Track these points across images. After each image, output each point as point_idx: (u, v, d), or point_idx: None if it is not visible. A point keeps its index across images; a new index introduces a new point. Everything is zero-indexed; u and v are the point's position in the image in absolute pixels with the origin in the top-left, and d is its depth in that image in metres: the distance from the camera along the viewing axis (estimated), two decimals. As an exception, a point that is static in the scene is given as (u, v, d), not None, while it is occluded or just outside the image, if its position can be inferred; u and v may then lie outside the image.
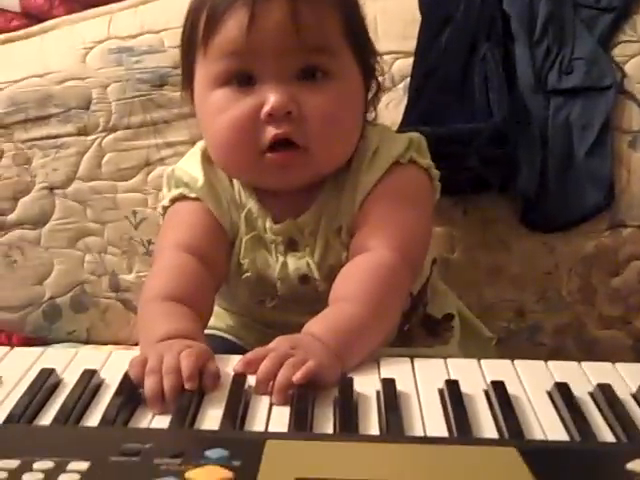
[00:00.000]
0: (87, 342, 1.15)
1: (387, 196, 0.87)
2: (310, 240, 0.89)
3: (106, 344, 1.13)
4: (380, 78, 0.92)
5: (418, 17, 1.11)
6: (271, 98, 0.81)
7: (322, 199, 0.89)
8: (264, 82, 0.82)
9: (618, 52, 1.09)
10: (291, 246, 0.89)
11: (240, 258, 0.90)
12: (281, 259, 0.89)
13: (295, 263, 0.89)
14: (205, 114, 0.87)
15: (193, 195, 0.89)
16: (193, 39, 0.86)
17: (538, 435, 0.62)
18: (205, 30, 0.83)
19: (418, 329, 0.92)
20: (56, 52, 1.16)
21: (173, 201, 0.91)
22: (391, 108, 1.08)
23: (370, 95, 0.91)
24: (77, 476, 0.50)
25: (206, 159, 0.91)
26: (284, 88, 0.81)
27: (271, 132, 0.82)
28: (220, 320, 0.98)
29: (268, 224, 0.89)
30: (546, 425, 0.63)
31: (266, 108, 0.81)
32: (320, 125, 0.82)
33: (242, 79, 0.83)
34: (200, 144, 0.93)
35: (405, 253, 0.83)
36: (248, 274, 0.90)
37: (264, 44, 0.81)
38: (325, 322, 0.75)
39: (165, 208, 0.92)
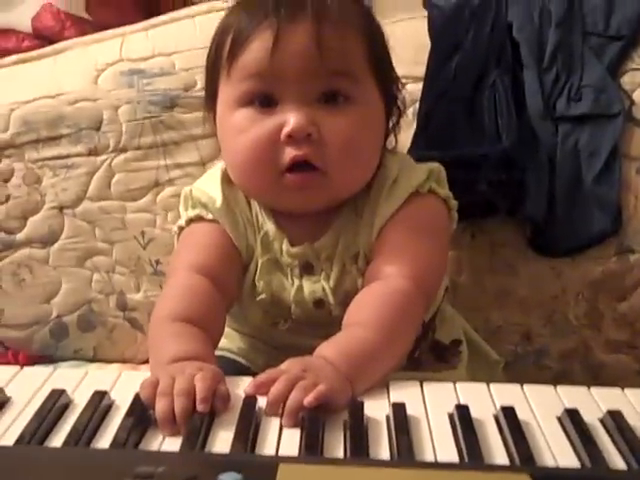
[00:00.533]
0: (93, 360, 1.15)
1: (405, 225, 0.87)
2: (326, 265, 0.89)
3: (112, 362, 1.14)
4: (402, 106, 0.93)
5: (428, 43, 1.12)
6: (291, 120, 0.82)
7: (339, 224, 0.89)
8: (285, 104, 0.83)
9: (626, 80, 1.09)
10: (307, 270, 0.89)
11: (255, 280, 0.90)
12: (297, 282, 0.89)
13: (310, 287, 0.89)
14: (226, 134, 0.88)
15: (210, 217, 0.90)
16: (218, 61, 0.87)
17: (549, 461, 0.62)
18: (230, 51, 0.84)
19: (427, 355, 0.92)
20: (68, 73, 1.17)
21: (189, 222, 0.92)
22: (400, 132, 1.09)
23: (391, 123, 0.92)
24: (91, 499, 0.50)
25: (226, 180, 0.91)
26: (305, 110, 0.82)
27: (290, 153, 0.83)
28: (229, 341, 0.98)
29: (285, 247, 0.89)
30: (556, 451, 0.63)
31: (286, 129, 0.82)
32: (339, 149, 0.83)
33: (264, 100, 0.84)
34: (220, 165, 0.94)
35: (420, 282, 0.83)
36: (263, 296, 0.90)
37: (287, 67, 0.82)
38: (337, 346, 0.76)
39: (181, 228, 0.93)
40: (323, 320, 0.88)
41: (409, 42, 1.12)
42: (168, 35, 1.17)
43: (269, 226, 0.90)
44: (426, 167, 0.91)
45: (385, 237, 0.87)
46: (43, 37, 1.29)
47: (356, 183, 0.88)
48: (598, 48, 1.10)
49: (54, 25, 1.28)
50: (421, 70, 1.11)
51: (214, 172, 0.94)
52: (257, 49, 0.83)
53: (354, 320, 0.80)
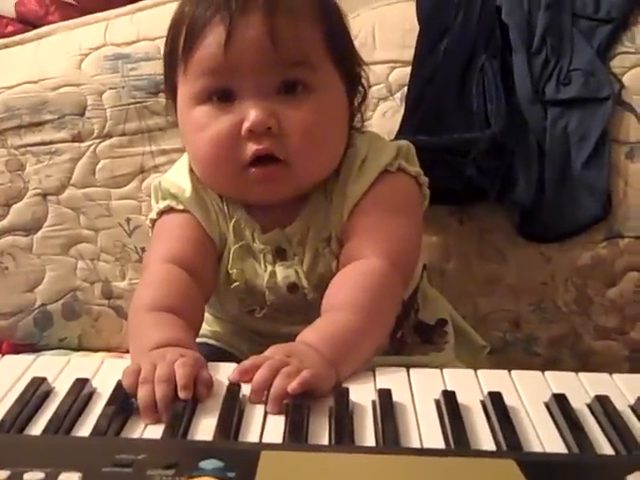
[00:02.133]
0: (78, 349, 1.14)
1: (376, 205, 0.87)
2: (298, 249, 0.88)
3: (97, 351, 1.13)
4: (366, 84, 0.92)
5: (416, 26, 1.11)
6: (251, 114, 0.81)
7: (310, 208, 0.88)
8: (244, 98, 0.82)
9: (616, 63, 1.09)
10: (279, 255, 0.89)
11: (228, 268, 0.89)
12: (269, 268, 0.89)
13: (283, 272, 0.88)
14: (187, 131, 0.88)
15: (180, 207, 0.89)
16: (174, 54, 0.86)
17: (536, 447, 0.61)
18: (184, 47, 0.84)
19: (412, 336, 0.92)
20: (51, 58, 1.16)
21: (160, 214, 0.91)
22: (388, 117, 1.08)
23: (356, 102, 0.91)
24: (69, 487, 0.49)
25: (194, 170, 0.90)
26: (264, 104, 0.81)
27: (252, 148, 0.82)
28: (211, 327, 0.97)
29: (256, 234, 0.88)
30: (544, 437, 0.63)
31: (246, 124, 0.81)
32: (301, 139, 0.82)
33: (222, 96, 0.83)
34: (187, 155, 0.93)
35: (396, 261, 0.83)
36: (237, 283, 0.89)
37: (242, 61, 0.81)
38: (318, 331, 0.75)
39: (153, 221, 0.92)
40: (299, 305, 0.88)
41: (397, 26, 1.11)
42: (153, 19, 1.16)
43: (240, 213, 0.89)
44: (395, 145, 0.91)
45: (357, 218, 0.87)
46: (27, 22, 1.27)
47: (321, 171, 0.87)
48: (588, 31, 1.09)
49: (38, 9, 1.26)
50: (409, 54, 1.10)
51: (182, 162, 0.93)
52: (210, 44, 0.81)
53: (333, 304, 0.80)
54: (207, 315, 0.96)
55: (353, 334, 0.75)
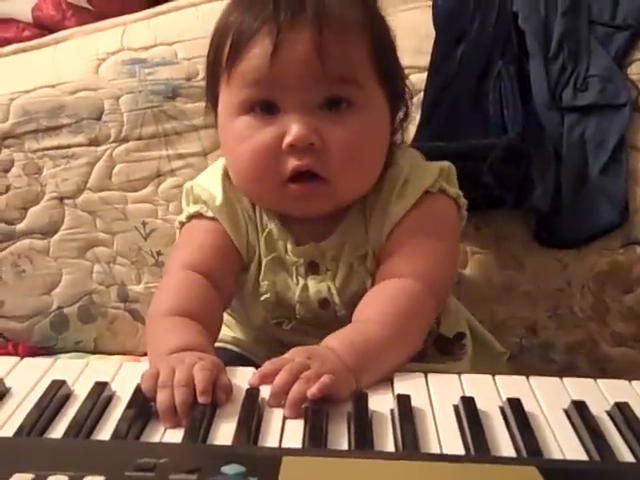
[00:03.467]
0: (94, 352, 1.14)
1: (416, 226, 0.86)
2: (332, 264, 0.88)
3: (113, 354, 1.13)
4: (409, 100, 0.92)
5: (432, 32, 1.11)
6: (293, 129, 0.80)
7: (347, 224, 0.88)
8: (287, 112, 0.81)
9: (633, 70, 1.08)
10: (312, 269, 0.88)
11: (260, 280, 0.89)
12: (302, 282, 0.88)
13: (315, 286, 0.88)
14: (227, 141, 0.87)
15: (210, 214, 0.89)
16: (217, 63, 0.85)
17: (556, 454, 0.61)
18: (229, 57, 0.83)
19: (431, 348, 0.91)
20: (69, 63, 1.16)
21: (190, 218, 0.91)
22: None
23: (398, 120, 0.90)
24: (93, 491, 0.50)
25: (227, 177, 0.90)
26: (307, 119, 0.80)
27: (292, 163, 0.81)
28: (233, 333, 0.97)
29: (290, 246, 0.88)
30: (564, 444, 0.63)
31: (288, 139, 0.80)
32: (342, 157, 0.81)
33: (265, 107, 0.82)
34: (222, 160, 0.92)
35: (432, 284, 0.83)
36: (267, 296, 0.89)
37: (288, 74, 0.80)
38: (343, 338, 0.75)
39: (182, 223, 0.92)
40: (328, 321, 0.87)
41: (412, 32, 1.11)
42: (170, 24, 1.16)
43: (273, 225, 0.88)
44: (437, 166, 0.90)
45: (396, 238, 0.86)
46: (44, 26, 1.27)
47: (360, 189, 0.87)
48: (604, 38, 1.09)
49: (55, 14, 1.27)
50: (425, 60, 1.09)
51: (216, 167, 0.93)
52: (256, 56, 0.80)
53: (363, 316, 0.80)
54: (229, 320, 0.96)
55: (377, 345, 0.74)
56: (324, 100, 0.81)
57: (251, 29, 0.81)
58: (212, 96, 0.88)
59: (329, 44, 0.80)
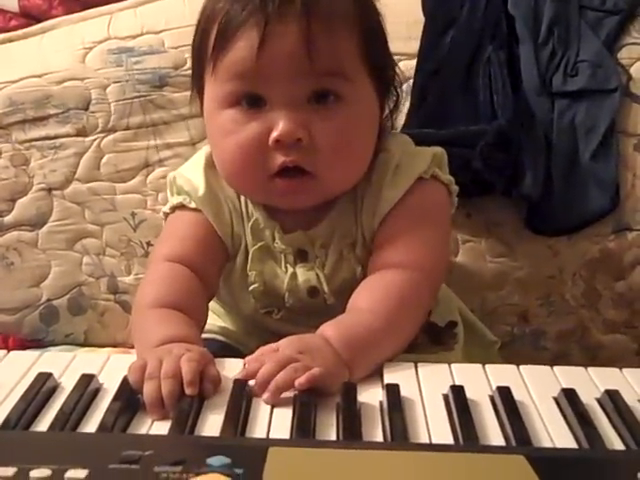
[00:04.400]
0: (84, 345, 1.14)
1: (410, 213, 0.86)
2: (321, 252, 0.87)
3: (103, 347, 1.12)
4: (399, 87, 0.91)
5: (421, 18, 1.10)
6: (280, 124, 0.79)
7: (337, 212, 0.87)
8: (274, 106, 0.80)
9: (624, 54, 1.08)
10: (301, 257, 0.87)
11: (247, 269, 0.88)
12: (290, 270, 0.87)
13: (304, 274, 0.87)
14: (213, 133, 0.86)
15: (193, 205, 0.88)
16: (203, 49, 0.83)
17: (545, 442, 0.61)
18: (215, 47, 0.81)
19: (422, 337, 0.91)
20: (55, 52, 1.15)
21: (174, 209, 0.90)
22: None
23: (388, 109, 0.89)
24: (75, 484, 0.49)
25: (210, 167, 0.89)
26: (294, 113, 0.79)
27: (279, 159, 0.80)
28: (222, 323, 0.97)
29: (277, 234, 0.87)
30: (553, 432, 0.63)
31: (274, 134, 0.79)
32: (330, 152, 0.80)
33: (251, 100, 0.81)
34: (205, 149, 0.91)
35: (427, 271, 0.83)
36: (256, 285, 0.88)
37: (274, 68, 0.78)
38: (340, 328, 0.74)
39: (166, 214, 0.91)
40: (318, 309, 0.87)
41: (402, 18, 1.10)
42: (157, 12, 1.15)
43: (259, 214, 0.88)
44: (430, 151, 0.89)
45: (390, 225, 0.85)
46: (31, 16, 1.26)
47: (348, 182, 0.86)
48: (595, 22, 1.08)
49: (42, 4, 1.25)
50: (414, 46, 1.09)
51: (199, 156, 0.92)
52: (242, 48, 0.79)
53: (359, 304, 0.79)
54: (218, 309, 0.96)
55: (373, 338, 0.74)
56: (311, 93, 0.80)
57: (238, 19, 0.79)
58: (197, 84, 0.87)
59: (317, 37, 0.78)
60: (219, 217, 0.88)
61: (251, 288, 0.89)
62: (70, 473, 0.50)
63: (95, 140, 1.12)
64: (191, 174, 0.90)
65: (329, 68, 0.80)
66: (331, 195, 0.86)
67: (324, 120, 0.80)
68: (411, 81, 1.08)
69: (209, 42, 0.82)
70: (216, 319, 0.96)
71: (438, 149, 0.90)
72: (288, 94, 0.79)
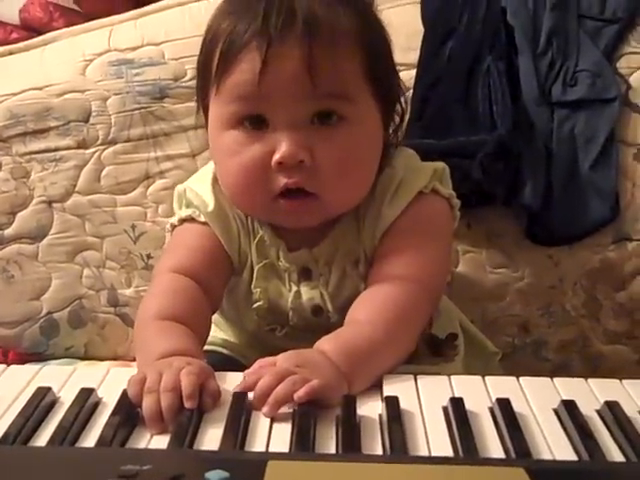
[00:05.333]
0: (85, 358, 1.14)
1: (409, 227, 0.86)
2: (325, 270, 0.87)
3: (104, 360, 1.12)
4: (404, 104, 0.90)
5: (421, 29, 1.10)
6: (282, 146, 0.79)
7: (340, 229, 0.87)
8: (276, 127, 0.80)
9: (623, 64, 1.08)
10: (305, 275, 0.88)
11: (252, 287, 0.88)
12: (294, 288, 0.88)
13: (308, 293, 0.87)
14: (217, 153, 0.86)
15: (202, 219, 0.88)
16: (208, 69, 0.83)
17: (545, 454, 0.61)
18: (218, 68, 0.81)
19: (422, 349, 0.91)
20: (56, 64, 1.16)
21: (182, 221, 0.90)
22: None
23: (393, 126, 0.89)
24: (73, 500, 0.49)
25: (218, 182, 0.89)
26: (296, 135, 0.79)
27: (282, 181, 0.80)
28: (225, 335, 0.97)
29: (282, 252, 0.87)
30: (553, 444, 0.62)
31: (277, 157, 0.79)
32: (333, 173, 0.80)
33: (254, 122, 0.81)
34: (212, 163, 0.91)
35: (425, 284, 0.82)
36: (260, 303, 0.89)
37: (276, 91, 0.78)
38: (339, 342, 0.74)
39: (173, 226, 0.91)
40: (321, 327, 0.86)
41: (401, 29, 1.09)
42: (157, 24, 1.15)
43: (265, 232, 0.88)
44: (431, 166, 0.89)
45: (389, 240, 0.85)
46: (31, 28, 1.27)
47: (352, 202, 0.86)
48: (594, 32, 1.08)
49: (42, 16, 1.26)
50: (414, 57, 1.09)
51: (206, 171, 0.92)
52: (245, 71, 0.79)
53: (357, 317, 0.79)
54: (221, 322, 0.96)
55: (372, 351, 0.74)
56: (314, 114, 0.80)
57: (240, 41, 0.79)
58: (203, 102, 0.87)
59: (320, 59, 0.78)
60: (227, 233, 0.88)
61: (255, 306, 0.89)
62: (67, 489, 0.50)
63: (95, 152, 1.12)
64: (200, 189, 0.90)
65: (332, 90, 0.79)
66: (335, 214, 0.86)
67: (327, 141, 0.80)
68: (410, 92, 1.07)
69: (213, 63, 0.82)
70: (218, 331, 0.96)
71: (440, 164, 0.90)
72: (290, 116, 0.79)
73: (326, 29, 0.79)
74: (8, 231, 1.13)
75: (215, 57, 0.81)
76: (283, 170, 0.80)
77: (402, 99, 0.90)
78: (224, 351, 0.95)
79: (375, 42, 0.84)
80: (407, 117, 1.04)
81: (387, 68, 0.87)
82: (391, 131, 0.89)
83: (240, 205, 0.87)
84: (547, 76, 1.07)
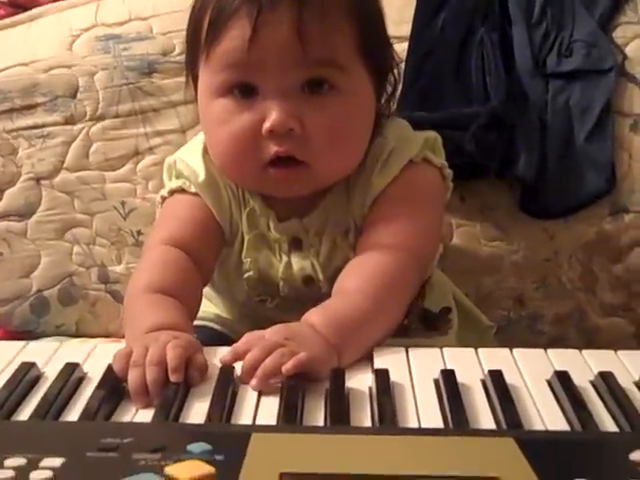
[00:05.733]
0: (76, 336, 1.12)
1: (398, 196, 0.85)
2: (315, 240, 0.87)
3: (95, 337, 1.11)
4: (397, 73, 0.89)
5: (413, 1, 1.08)
6: (272, 114, 0.78)
7: (330, 199, 0.86)
8: (266, 95, 0.79)
9: (619, 34, 1.06)
10: (295, 246, 0.87)
11: (242, 257, 0.88)
12: (285, 259, 0.87)
13: (299, 263, 0.87)
14: (206, 122, 0.85)
15: (192, 190, 0.87)
16: (197, 37, 0.82)
17: (538, 426, 0.60)
18: (207, 36, 0.80)
19: (416, 323, 0.90)
20: (42, 40, 1.14)
21: (172, 192, 0.89)
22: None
23: (386, 95, 0.88)
24: (50, 473, 0.48)
25: (209, 153, 0.88)
26: (287, 103, 0.78)
27: (272, 149, 0.79)
28: (216, 309, 0.96)
29: (272, 223, 0.87)
30: (546, 415, 0.61)
31: (267, 124, 0.78)
32: (323, 142, 0.79)
33: (244, 90, 0.80)
34: (202, 134, 0.90)
35: (414, 253, 0.82)
36: (250, 273, 0.88)
37: (267, 58, 0.77)
38: (327, 313, 0.73)
39: (163, 198, 0.90)
40: (312, 297, 0.85)
41: (393, 1, 1.08)
42: (145, -2, 1.14)
43: (255, 202, 0.87)
44: (422, 135, 0.88)
45: (378, 208, 0.85)
46: (18, 5, 1.25)
47: (343, 171, 0.85)
48: (589, 2, 1.06)
49: (30, -7, 1.25)
50: (406, 29, 1.07)
51: (196, 142, 0.91)
52: (234, 38, 0.78)
53: (344, 287, 0.78)
54: (212, 295, 0.95)
55: (361, 321, 0.73)
56: (305, 82, 0.79)
57: (230, 8, 0.78)
58: (192, 72, 0.86)
59: (310, 26, 0.77)
60: (218, 203, 0.87)
61: (246, 276, 0.88)
62: (45, 462, 0.49)
63: (83, 128, 1.11)
64: (190, 159, 0.89)
65: (322, 57, 0.78)
66: (326, 184, 0.85)
67: (317, 109, 0.79)
68: (403, 64, 1.06)
69: (202, 31, 0.81)
70: (210, 306, 0.96)
71: (432, 133, 0.89)
72: (281, 84, 0.78)
73: None
74: (-4, 209, 1.12)
75: (204, 25, 0.80)
76: (273, 138, 0.79)
77: (395, 70, 0.89)
78: (215, 326, 0.95)
79: (368, 12, 0.83)
80: (400, 88, 1.03)
81: (380, 39, 0.86)
82: (383, 101, 0.88)
83: (230, 174, 0.86)
84: (541, 47, 1.06)
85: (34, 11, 1.18)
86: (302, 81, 0.79)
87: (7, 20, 1.19)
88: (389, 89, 0.88)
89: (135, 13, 1.12)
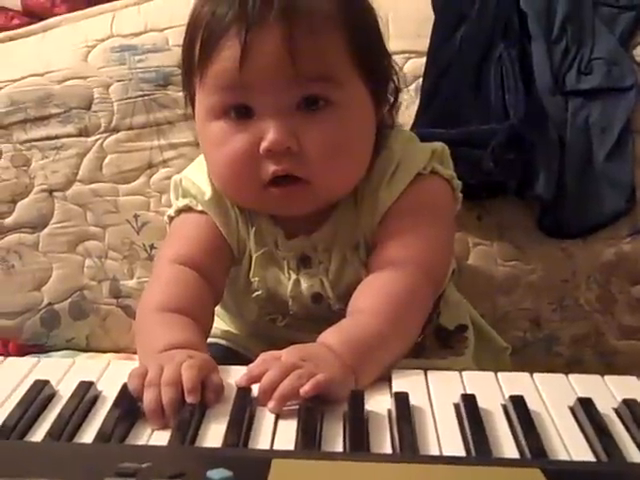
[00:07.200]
0: (86, 350, 1.12)
1: (408, 210, 0.84)
2: (324, 256, 0.86)
3: (106, 352, 1.11)
4: (397, 81, 0.88)
5: (431, 16, 1.08)
6: (269, 134, 0.77)
7: (338, 214, 0.85)
8: (262, 115, 0.78)
9: (639, 52, 1.06)
10: (303, 263, 0.86)
11: (250, 276, 0.87)
12: (293, 276, 0.86)
13: (308, 281, 0.86)
14: (205, 144, 0.85)
15: (200, 208, 0.87)
16: (191, 58, 0.82)
17: (561, 454, 0.59)
18: (200, 57, 0.79)
19: (431, 341, 0.89)
20: (57, 50, 1.14)
21: (179, 212, 0.88)
22: (403, 110, 1.04)
23: (387, 106, 0.87)
24: (68, 499, 0.47)
25: None
26: (283, 122, 0.77)
27: (271, 168, 0.79)
28: (226, 327, 0.95)
29: (280, 240, 0.86)
30: (569, 443, 0.60)
31: (264, 144, 0.78)
32: (321, 158, 0.79)
33: (239, 111, 0.79)
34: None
35: (427, 269, 0.81)
36: (259, 292, 0.87)
37: (259, 78, 0.77)
38: (342, 334, 0.72)
39: (171, 218, 0.90)
40: (323, 315, 0.85)
41: (411, 15, 1.08)
42: (161, 10, 1.13)
43: (263, 219, 0.86)
44: (429, 147, 0.87)
45: (388, 223, 0.84)
46: (33, 14, 1.26)
47: (344, 186, 0.84)
48: (609, 19, 1.06)
49: (44, 2, 1.25)
50: (424, 44, 1.07)
51: (203, 160, 0.89)
52: (225, 59, 0.77)
53: (360, 307, 0.77)
54: (222, 313, 0.94)
55: (378, 341, 0.72)
56: (301, 100, 0.78)
57: (220, 28, 0.77)
58: (189, 91, 0.85)
59: (301, 42, 0.76)
60: (226, 221, 0.87)
61: (254, 295, 0.87)
62: (63, 487, 0.48)
63: (97, 140, 1.11)
64: (196, 178, 0.88)
65: (315, 73, 0.77)
66: (328, 200, 0.84)
67: (313, 126, 0.78)
68: (420, 80, 1.06)
69: (195, 51, 0.80)
70: (220, 323, 0.95)
71: (438, 144, 0.88)
72: (275, 103, 0.78)
73: (305, 10, 0.77)
74: (8, 220, 1.12)
75: (197, 44, 0.80)
76: (271, 158, 0.78)
77: (395, 77, 0.87)
78: (225, 343, 0.94)
79: (359, 23, 0.82)
80: (416, 103, 1.03)
81: (375, 49, 0.84)
82: (385, 111, 0.87)
83: (231, 196, 0.86)
84: (561, 64, 1.05)
85: (49, 21, 1.19)
86: (297, 99, 0.78)
87: (21, 30, 1.19)
88: (391, 99, 0.87)
89: (151, 24, 1.12)
